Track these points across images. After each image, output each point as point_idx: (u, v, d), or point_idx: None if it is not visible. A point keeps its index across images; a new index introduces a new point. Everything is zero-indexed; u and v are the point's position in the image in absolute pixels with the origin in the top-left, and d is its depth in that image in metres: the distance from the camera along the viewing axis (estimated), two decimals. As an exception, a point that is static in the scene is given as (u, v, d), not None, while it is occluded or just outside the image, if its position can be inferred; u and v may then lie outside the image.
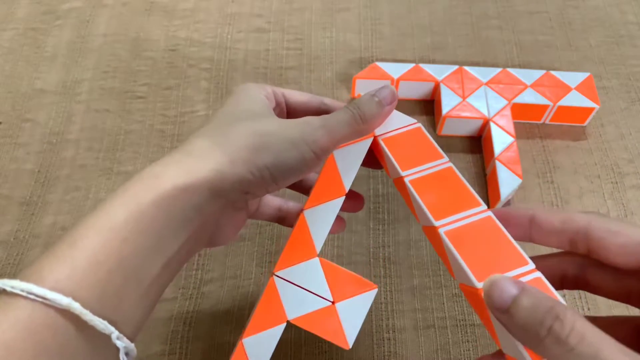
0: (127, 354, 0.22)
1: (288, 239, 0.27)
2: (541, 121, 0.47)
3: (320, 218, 0.27)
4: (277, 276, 0.27)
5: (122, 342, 0.21)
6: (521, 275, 0.21)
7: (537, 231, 0.23)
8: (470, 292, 0.22)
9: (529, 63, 0.51)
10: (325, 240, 0.42)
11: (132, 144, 0.47)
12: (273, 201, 0.33)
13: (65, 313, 0.19)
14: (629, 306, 0.23)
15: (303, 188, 0.33)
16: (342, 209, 0.29)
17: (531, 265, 0.22)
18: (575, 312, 0.18)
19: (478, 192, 0.43)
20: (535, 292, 0.19)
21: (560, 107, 0.46)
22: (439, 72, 0.48)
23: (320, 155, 0.26)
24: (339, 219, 0.32)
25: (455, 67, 0.48)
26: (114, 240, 0.21)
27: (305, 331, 0.26)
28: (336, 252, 0.41)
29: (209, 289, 0.39)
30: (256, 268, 0.40)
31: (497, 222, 0.24)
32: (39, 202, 0.44)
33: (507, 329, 0.19)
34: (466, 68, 0.48)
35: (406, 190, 0.26)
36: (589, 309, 0.38)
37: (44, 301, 0.19)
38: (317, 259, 0.27)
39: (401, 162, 0.27)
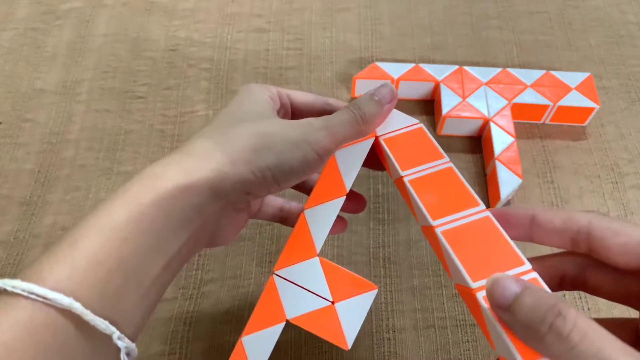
0: (128, 354, 0.22)
1: (288, 239, 0.27)
2: (541, 121, 0.47)
3: (321, 218, 0.27)
4: (277, 275, 0.27)
5: (123, 342, 0.21)
6: (517, 276, 0.21)
7: (537, 231, 0.23)
8: (465, 292, 0.22)
9: (529, 63, 0.52)
10: (326, 241, 0.42)
11: (132, 144, 0.47)
12: (275, 201, 0.33)
13: (66, 313, 0.19)
14: (629, 308, 0.23)
15: (305, 188, 0.33)
16: (344, 210, 0.29)
17: (527, 266, 0.22)
18: (578, 311, 0.18)
19: (478, 192, 0.43)
20: (537, 289, 0.19)
21: (560, 107, 0.46)
22: (439, 72, 0.48)
23: (322, 156, 0.26)
24: (340, 219, 0.32)
25: (455, 67, 0.48)
26: (114, 241, 0.21)
27: (306, 331, 0.26)
28: (336, 252, 0.41)
29: (209, 289, 0.39)
30: (256, 268, 0.40)
31: (495, 222, 0.24)
32: (39, 202, 0.44)
33: (509, 327, 0.19)
34: (466, 68, 0.48)
35: (406, 190, 0.26)
36: (589, 309, 0.38)
37: (45, 301, 0.19)
38: (317, 259, 0.27)
39: (401, 162, 0.27)
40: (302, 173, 0.26)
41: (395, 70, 0.48)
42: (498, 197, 0.41)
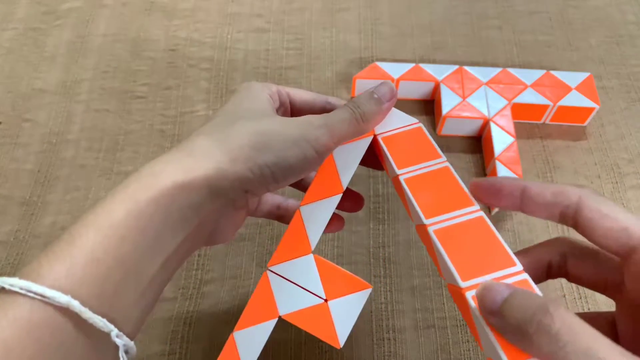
0: (126, 352, 0.22)
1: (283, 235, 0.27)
2: (541, 121, 0.47)
3: (317, 215, 0.27)
4: (271, 271, 0.27)
5: (121, 340, 0.21)
6: (508, 276, 0.21)
7: (528, 202, 0.22)
8: (455, 291, 0.22)
9: (529, 63, 0.51)
10: (325, 240, 0.42)
11: (132, 144, 0.47)
12: (273, 199, 0.33)
13: (64, 311, 0.19)
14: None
15: (303, 186, 0.33)
16: (342, 208, 0.28)
17: (519, 267, 0.22)
18: (567, 310, 0.18)
19: (478, 192, 0.43)
20: (526, 292, 0.19)
21: (560, 107, 0.46)
22: (439, 72, 0.48)
23: (321, 154, 0.26)
24: (337, 217, 0.32)
25: (455, 67, 0.48)
26: (113, 238, 0.21)
27: (306, 331, 0.25)
28: (336, 252, 0.41)
29: (209, 289, 0.39)
30: (256, 268, 0.40)
31: (489, 222, 0.24)
32: (38, 202, 0.44)
33: (500, 333, 0.19)
34: (466, 68, 0.48)
35: (402, 188, 0.26)
36: (589, 309, 0.38)
37: (43, 299, 0.19)
38: (311, 256, 0.27)
39: (398, 161, 0.27)
40: (301, 171, 0.26)
41: (395, 70, 0.48)
42: (498, 196, 0.41)
